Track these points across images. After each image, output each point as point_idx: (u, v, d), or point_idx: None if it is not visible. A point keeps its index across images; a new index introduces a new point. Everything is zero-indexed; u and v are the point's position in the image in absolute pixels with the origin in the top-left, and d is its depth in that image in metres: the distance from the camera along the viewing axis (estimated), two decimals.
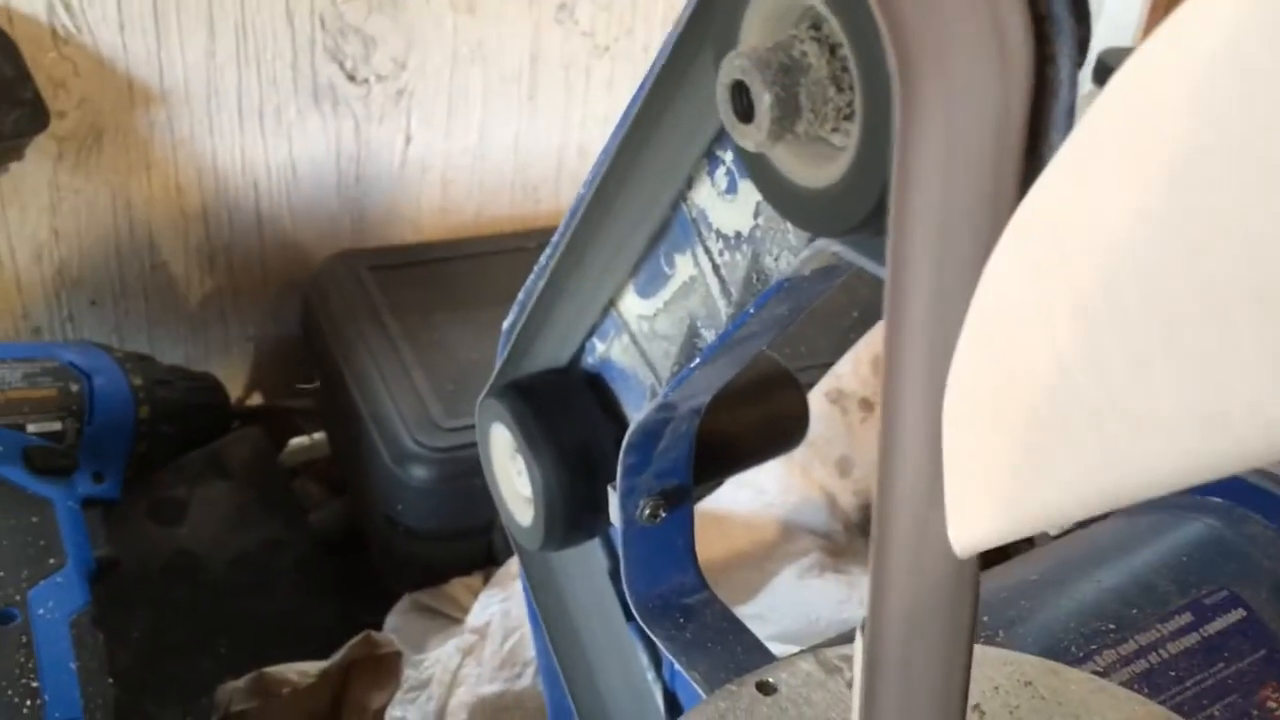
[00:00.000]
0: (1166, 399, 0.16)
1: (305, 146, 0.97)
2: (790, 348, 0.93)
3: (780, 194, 0.29)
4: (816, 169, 0.27)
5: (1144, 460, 0.17)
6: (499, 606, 0.79)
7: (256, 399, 1.10)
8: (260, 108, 0.94)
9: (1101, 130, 0.17)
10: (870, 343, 0.93)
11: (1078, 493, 0.19)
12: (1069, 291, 0.18)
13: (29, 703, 0.58)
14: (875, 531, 0.24)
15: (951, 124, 0.21)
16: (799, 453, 0.76)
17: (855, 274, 0.34)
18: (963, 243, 0.22)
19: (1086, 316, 0.17)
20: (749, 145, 0.27)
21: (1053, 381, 0.18)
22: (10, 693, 0.58)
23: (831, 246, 0.30)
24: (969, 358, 0.20)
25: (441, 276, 0.99)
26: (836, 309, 0.98)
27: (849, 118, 0.26)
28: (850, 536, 0.89)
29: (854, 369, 0.92)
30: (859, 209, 0.26)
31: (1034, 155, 0.23)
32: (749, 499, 0.89)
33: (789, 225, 0.32)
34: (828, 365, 0.93)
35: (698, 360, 0.39)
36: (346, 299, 0.95)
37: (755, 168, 0.30)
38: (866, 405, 0.91)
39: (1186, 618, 0.50)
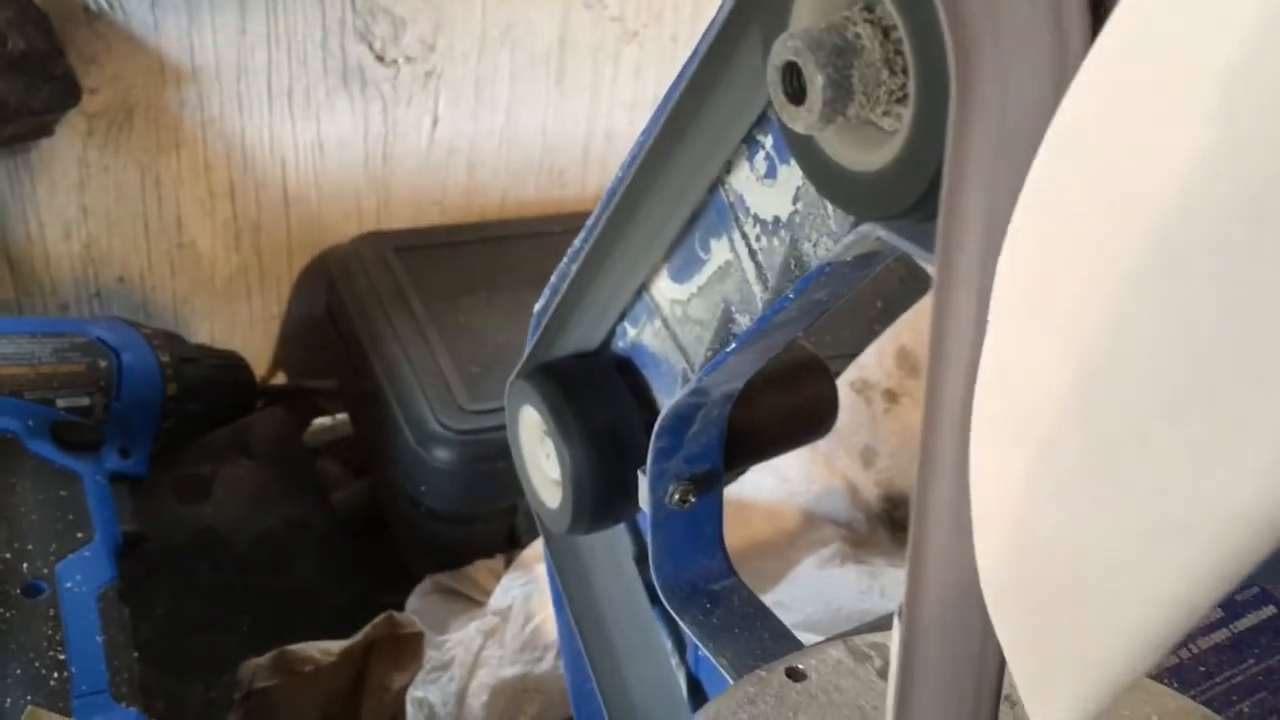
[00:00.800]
0: (1135, 516, 0.16)
1: (333, 127, 0.98)
2: (815, 337, 0.93)
3: (827, 177, 0.29)
4: (865, 152, 0.27)
5: (1151, 573, 0.17)
6: (521, 589, 0.79)
7: (280, 378, 1.10)
8: (289, 87, 0.94)
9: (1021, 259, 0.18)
10: (895, 334, 0.92)
11: (1124, 634, 0.18)
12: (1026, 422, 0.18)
13: (56, 675, 0.59)
14: (913, 520, 0.24)
15: (1008, 109, 0.21)
16: (822, 442, 0.76)
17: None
18: None
19: (1047, 445, 0.17)
20: (799, 128, 0.27)
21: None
22: (38, 665, 0.59)
23: (876, 231, 0.29)
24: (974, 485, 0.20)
25: (467, 259, 1.00)
26: (861, 299, 0.98)
27: (901, 101, 0.25)
28: (872, 527, 0.89)
29: (878, 360, 0.91)
30: (909, 193, 0.26)
31: None
32: (772, 487, 0.89)
33: (829, 211, 0.32)
34: (852, 355, 0.93)
35: (732, 346, 0.39)
36: (372, 280, 0.95)
37: (802, 151, 0.30)
38: (891, 396, 0.90)
39: (1217, 614, 0.49)
